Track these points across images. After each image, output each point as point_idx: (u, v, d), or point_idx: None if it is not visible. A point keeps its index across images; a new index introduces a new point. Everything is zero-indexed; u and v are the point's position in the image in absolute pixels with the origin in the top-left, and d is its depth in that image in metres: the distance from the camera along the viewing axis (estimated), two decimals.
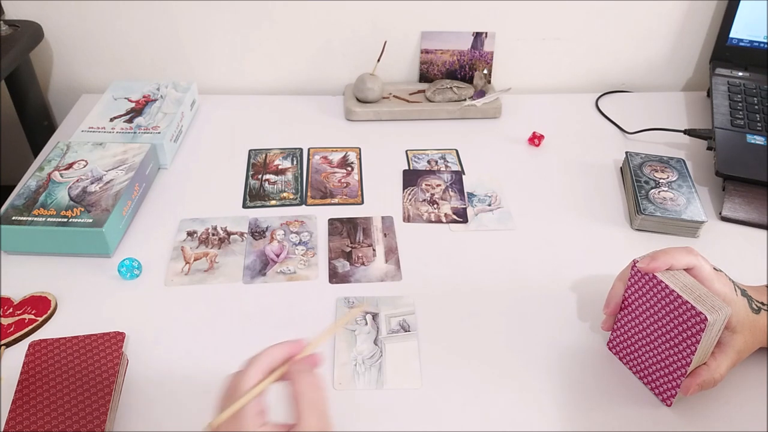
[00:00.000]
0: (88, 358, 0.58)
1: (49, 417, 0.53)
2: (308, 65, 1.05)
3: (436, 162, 0.89)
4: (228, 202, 0.82)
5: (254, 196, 0.83)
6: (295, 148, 0.92)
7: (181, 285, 0.70)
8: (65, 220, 0.70)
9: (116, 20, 1.00)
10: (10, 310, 0.65)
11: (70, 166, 0.79)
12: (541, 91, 1.08)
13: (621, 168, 0.88)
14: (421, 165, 0.89)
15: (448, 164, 0.89)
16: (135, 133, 0.87)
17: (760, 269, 0.72)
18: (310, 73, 1.06)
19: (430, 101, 1.00)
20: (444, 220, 0.79)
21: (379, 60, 0.98)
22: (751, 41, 0.99)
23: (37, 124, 1.05)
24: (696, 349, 0.52)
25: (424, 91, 1.02)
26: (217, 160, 0.89)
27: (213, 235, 0.76)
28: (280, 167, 0.88)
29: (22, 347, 0.60)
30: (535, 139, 0.93)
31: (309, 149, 0.92)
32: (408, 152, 0.92)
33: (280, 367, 0.45)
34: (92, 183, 0.76)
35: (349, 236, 0.76)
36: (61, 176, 0.77)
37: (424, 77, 1.05)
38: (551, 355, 0.62)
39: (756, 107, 0.92)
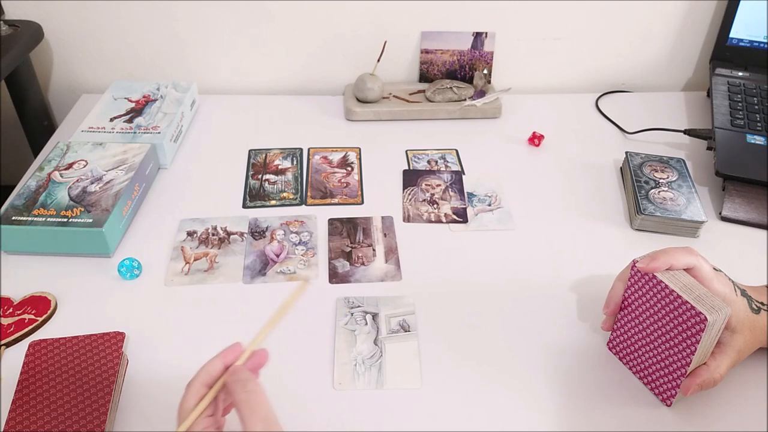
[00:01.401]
0: (88, 358, 0.58)
1: (49, 417, 0.53)
2: (308, 65, 1.05)
3: (436, 162, 0.89)
4: (228, 202, 0.82)
5: (254, 196, 0.83)
6: (295, 148, 0.92)
7: (181, 285, 0.70)
8: (65, 220, 0.70)
9: (116, 20, 1.00)
10: (10, 310, 0.65)
11: (70, 166, 0.79)
12: (541, 91, 1.07)
13: (621, 168, 0.88)
14: (421, 165, 0.89)
15: (448, 164, 0.89)
16: (135, 133, 0.87)
17: (760, 269, 0.72)
18: (310, 73, 1.06)
19: (430, 101, 1.00)
20: (444, 220, 0.79)
21: (379, 60, 0.98)
22: (751, 41, 0.99)
23: (37, 124, 1.05)
24: (696, 349, 0.52)
25: (424, 91, 1.02)
26: (217, 160, 0.89)
27: (213, 235, 0.76)
28: (280, 167, 0.88)
29: (22, 347, 0.60)
30: (535, 139, 0.93)
31: (309, 149, 0.92)
32: (408, 152, 0.92)
33: (219, 380, 0.47)
34: (92, 183, 0.76)
35: (349, 236, 0.76)
36: (61, 176, 0.77)
37: (424, 77, 1.05)
38: (551, 354, 0.62)
39: (756, 107, 0.92)
